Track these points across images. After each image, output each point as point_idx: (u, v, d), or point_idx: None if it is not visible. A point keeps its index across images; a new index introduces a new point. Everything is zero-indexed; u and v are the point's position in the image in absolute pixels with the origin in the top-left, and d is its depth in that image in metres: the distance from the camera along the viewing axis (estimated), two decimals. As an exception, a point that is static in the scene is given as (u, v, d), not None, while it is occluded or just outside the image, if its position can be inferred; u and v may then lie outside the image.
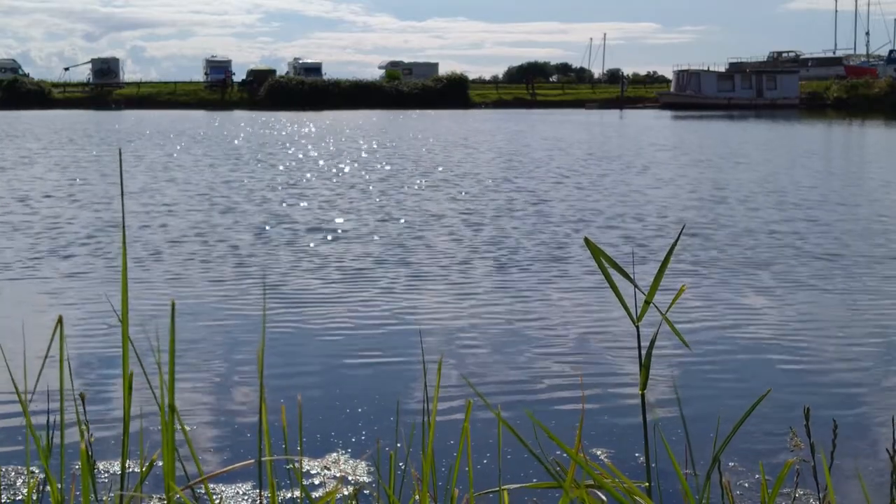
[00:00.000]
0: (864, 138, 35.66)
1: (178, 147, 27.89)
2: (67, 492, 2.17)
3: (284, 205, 14.09)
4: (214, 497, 3.67)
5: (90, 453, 1.47)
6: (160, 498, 3.46)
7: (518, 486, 1.74)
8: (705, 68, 75.17)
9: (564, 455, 3.53)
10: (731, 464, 4.20)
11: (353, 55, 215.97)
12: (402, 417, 4.78)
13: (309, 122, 47.70)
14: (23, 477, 3.96)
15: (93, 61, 79.58)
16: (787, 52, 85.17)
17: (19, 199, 14.65)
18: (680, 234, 1.96)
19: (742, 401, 4.98)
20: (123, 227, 1.32)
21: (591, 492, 1.57)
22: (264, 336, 2.83)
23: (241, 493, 3.87)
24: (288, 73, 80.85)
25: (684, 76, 72.90)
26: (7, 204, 13.99)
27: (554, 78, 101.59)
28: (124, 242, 1.36)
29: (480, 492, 1.84)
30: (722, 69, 77.40)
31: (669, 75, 79.47)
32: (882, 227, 11.74)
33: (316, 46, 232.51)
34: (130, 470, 3.93)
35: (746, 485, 4.01)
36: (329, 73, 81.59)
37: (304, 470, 4.07)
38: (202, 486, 1.47)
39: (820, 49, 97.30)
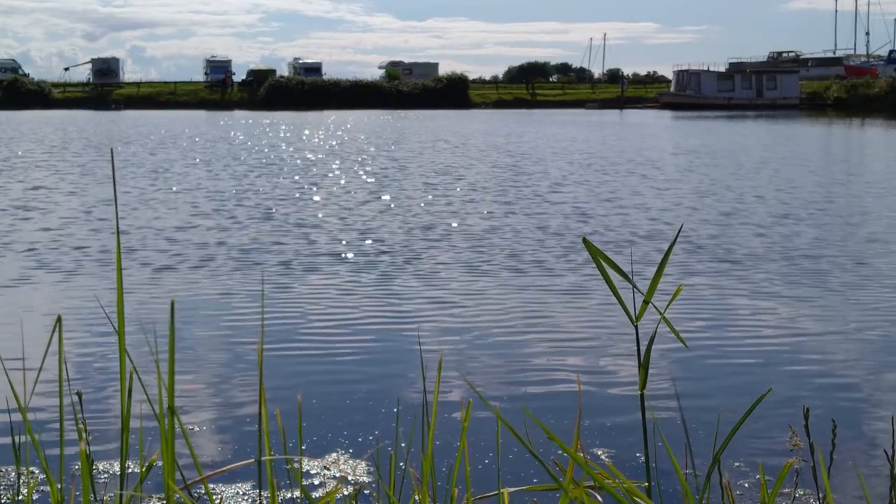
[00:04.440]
0: (864, 138, 35.66)
1: (178, 148, 27.89)
2: (67, 492, 2.17)
3: (284, 205, 14.08)
4: (214, 497, 3.66)
5: (89, 453, 1.47)
6: (160, 498, 3.46)
7: (516, 489, 1.74)
8: (705, 68, 75.15)
9: (565, 455, 3.53)
10: (731, 464, 4.20)
11: (353, 55, 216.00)
12: (402, 417, 4.78)
13: (308, 123, 47.69)
14: (23, 477, 3.96)
15: (93, 61, 79.59)
16: (787, 52, 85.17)
17: (20, 198, 14.65)
18: (678, 233, 1.96)
19: (742, 401, 4.98)
20: (118, 227, 1.32)
21: (590, 492, 1.57)
22: (263, 335, 2.84)
23: (240, 493, 3.87)
24: (289, 73, 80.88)
25: (684, 76, 72.89)
26: (8, 204, 13.99)
27: (554, 78, 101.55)
28: (118, 242, 1.35)
29: (480, 495, 1.83)
30: (722, 69, 77.37)
31: (669, 75, 79.50)
32: (884, 228, 11.73)
33: (316, 46, 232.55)
34: (130, 470, 3.93)
35: (746, 485, 4.01)
36: (329, 73, 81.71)
37: (303, 470, 4.07)
38: (202, 486, 1.47)
39: (820, 49, 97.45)
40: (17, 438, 2.24)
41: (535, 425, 1.61)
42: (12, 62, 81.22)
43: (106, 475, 3.98)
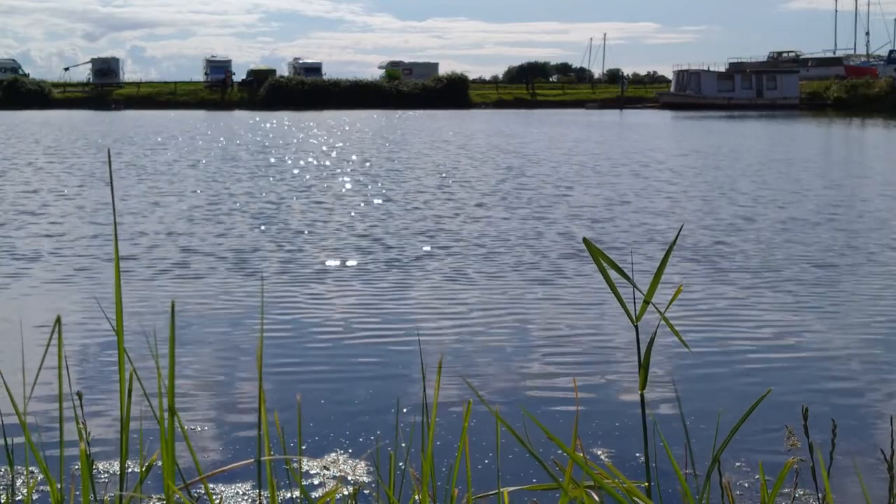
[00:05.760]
0: (865, 138, 35.66)
1: (178, 149, 27.89)
2: (67, 492, 2.17)
3: (284, 206, 14.08)
4: (214, 497, 3.66)
5: (89, 453, 1.47)
6: (160, 498, 3.46)
7: (516, 488, 1.74)
8: (705, 68, 75.13)
9: (565, 455, 3.53)
10: (731, 464, 4.20)
11: (353, 55, 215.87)
12: (402, 417, 4.78)
13: (308, 123, 47.69)
14: (22, 477, 3.96)
15: (93, 61, 79.55)
16: (787, 52, 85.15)
17: (22, 199, 14.64)
18: (678, 234, 1.96)
19: (742, 401, 4.98)
20: (115, 228, 1.32)
21: (590, 492, 1.57)
22: (262, 336, 2.84)
23: (240, 493, 3.87)
24: (289, 73, 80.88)
25: (684, 76, 72.88)
26: (9, 204, 13.99)
27: (554, 78, 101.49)
28: (116, 243, 1.36)
29: (480, 494, 1.83)
30: (722, 69, 77.36)
31: (669, 75, 79.49)
32: (884, 227, 11.73)
33: (316, 46, 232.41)
34: (130, 470, 3.93)
35: (746, 485, 4.01)
36: (329, 73, 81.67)
37: (303, 470, 4.07)
38: (202, 486, 1.47)
39: (820, 49, 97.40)
40: (16, 438, 2.24)
41: (535, 425, 1.61)
42: (12, 62, 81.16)
43: (106, 475, 3.98)
